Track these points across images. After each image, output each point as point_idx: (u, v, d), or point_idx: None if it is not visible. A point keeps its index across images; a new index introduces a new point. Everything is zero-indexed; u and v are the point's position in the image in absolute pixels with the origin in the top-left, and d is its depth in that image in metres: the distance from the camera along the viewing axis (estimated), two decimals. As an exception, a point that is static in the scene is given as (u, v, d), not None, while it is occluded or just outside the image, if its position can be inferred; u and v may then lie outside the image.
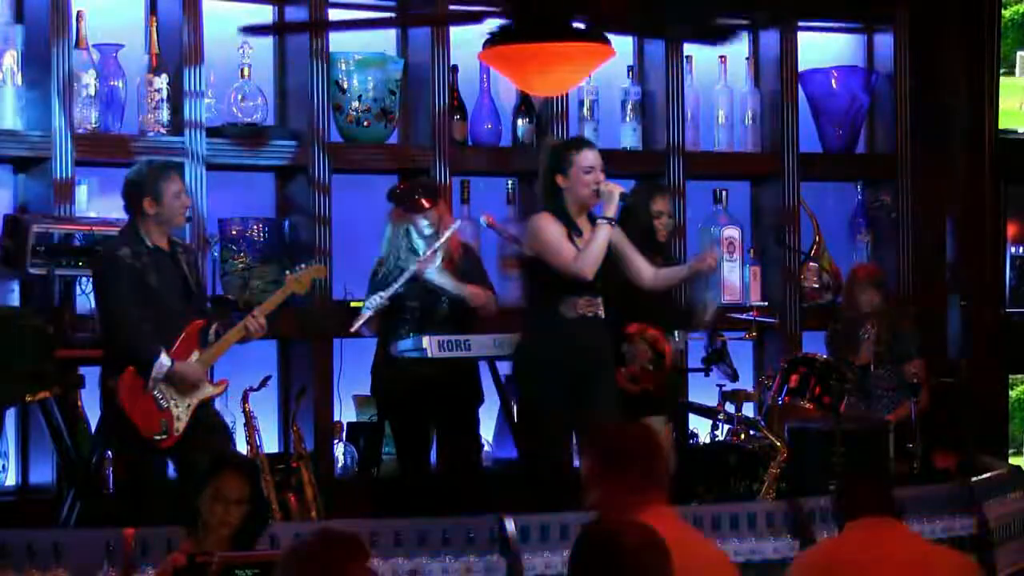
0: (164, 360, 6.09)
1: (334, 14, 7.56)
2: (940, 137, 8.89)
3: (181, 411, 6.16)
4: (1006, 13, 8.93)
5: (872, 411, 7.64)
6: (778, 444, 7.14)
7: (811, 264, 8.53)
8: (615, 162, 8.16)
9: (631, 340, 6.89)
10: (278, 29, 7.65)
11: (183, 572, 4.56)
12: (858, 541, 4.65)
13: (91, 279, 6.45)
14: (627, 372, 6.87)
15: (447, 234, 6.86)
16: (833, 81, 8.72)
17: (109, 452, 6.80)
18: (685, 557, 3.63)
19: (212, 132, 7.28)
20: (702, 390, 7.68)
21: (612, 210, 6.42)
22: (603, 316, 6.51)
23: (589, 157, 6.47)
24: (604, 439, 4.37)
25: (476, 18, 5.96)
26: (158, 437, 6.11)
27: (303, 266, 6.67)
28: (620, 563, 3.48)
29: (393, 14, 7.89)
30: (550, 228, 6.41)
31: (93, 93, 7.06)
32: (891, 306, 8.02)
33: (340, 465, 7.49)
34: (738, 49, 8.63)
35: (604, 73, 7.55)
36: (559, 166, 6.47)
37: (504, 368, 7.01)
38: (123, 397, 6.11)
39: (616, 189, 6.45)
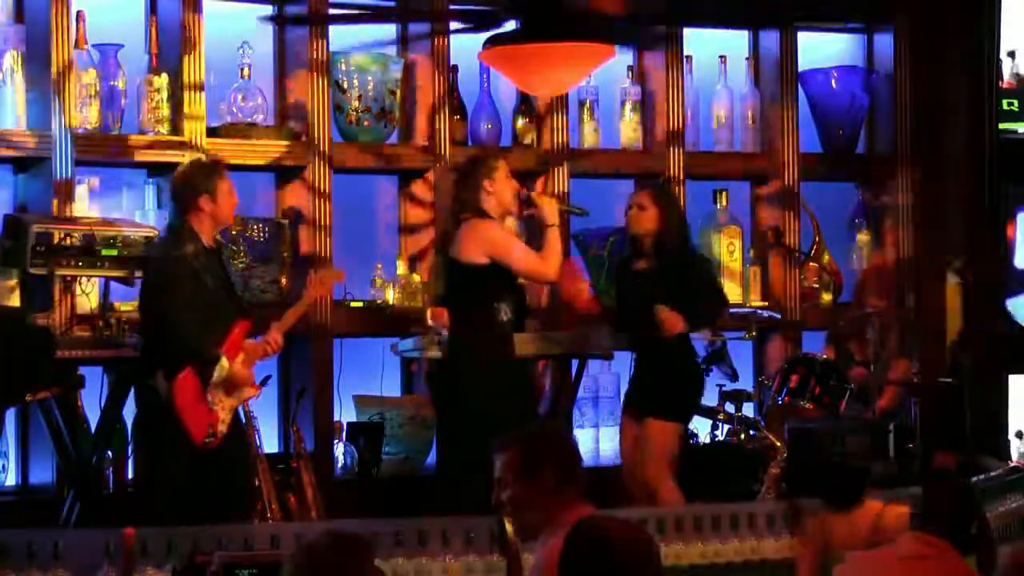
0: (225, 363, 6.05)
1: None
2: (940, 137, 8.89)
3: (224, 414, 6.12)
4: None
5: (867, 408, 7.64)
6: (778, 444, 7.15)
7: (811, 264, 8.53)
8: (615, 162, 8.19)
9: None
10: (287, 20, 7.61)
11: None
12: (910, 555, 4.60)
13: (143, 278, 6.35)
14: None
15: None
16: (833, 81, 8.71)
17: (109, 452, 6.81)
18: None
19: (212, 132, 7.28)
20: (702, 390, 7.68)
21: None
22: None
23: None
24: (520, 441, 4.40)
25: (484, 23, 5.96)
26: (207, 440, 6.06)
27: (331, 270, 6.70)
28: (610, 560, 3.52)
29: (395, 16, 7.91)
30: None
31: (93, 93, 7.05)
32: (894, 307, 8.01)
33: (340, 465, 7.48)
34: (738, 49, 8.63)
35: (604, 73, 7.55)
36: None
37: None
38: (181, 400, 6.00)
39: None
